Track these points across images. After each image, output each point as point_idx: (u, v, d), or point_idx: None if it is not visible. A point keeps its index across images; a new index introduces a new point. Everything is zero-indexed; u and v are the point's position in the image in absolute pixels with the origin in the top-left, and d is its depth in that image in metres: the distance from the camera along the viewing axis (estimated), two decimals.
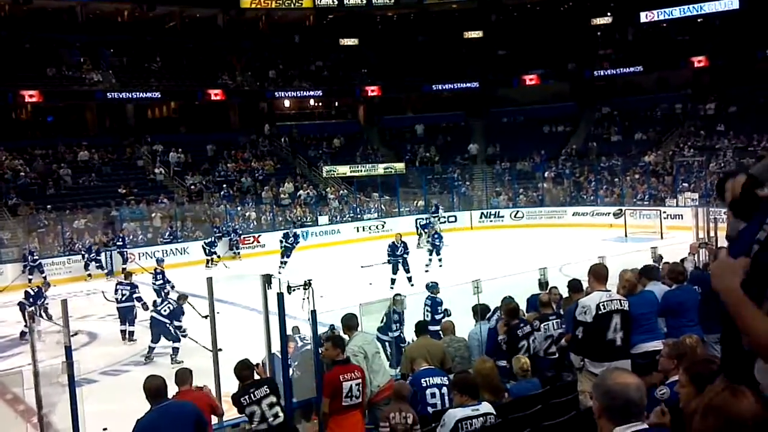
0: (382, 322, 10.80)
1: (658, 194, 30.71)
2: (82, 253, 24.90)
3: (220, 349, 8.17)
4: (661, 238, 23.77)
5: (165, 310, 13.55)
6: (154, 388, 5.53)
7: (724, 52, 36.64)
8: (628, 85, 40.82)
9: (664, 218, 26.44)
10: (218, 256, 26.21)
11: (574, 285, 7.77)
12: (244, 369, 6.72)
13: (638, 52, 39.46)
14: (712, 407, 1.86)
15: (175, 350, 13.41)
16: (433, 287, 11.96)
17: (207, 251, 25.96)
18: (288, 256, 23.30)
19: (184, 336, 13.49)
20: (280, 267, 22.19)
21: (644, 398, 2.59)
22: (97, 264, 24.81)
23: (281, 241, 23.91)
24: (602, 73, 40.31)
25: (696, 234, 16.59)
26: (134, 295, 15.36)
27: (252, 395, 6.47)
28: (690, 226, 24.78)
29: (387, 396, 7.24)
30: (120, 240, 25.64)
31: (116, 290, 15.59)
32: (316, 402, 7.23)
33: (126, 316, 15.21)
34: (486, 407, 5.53)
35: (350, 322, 7.69)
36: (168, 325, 13.37)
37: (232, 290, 16.25)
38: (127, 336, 15.17)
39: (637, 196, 31.23)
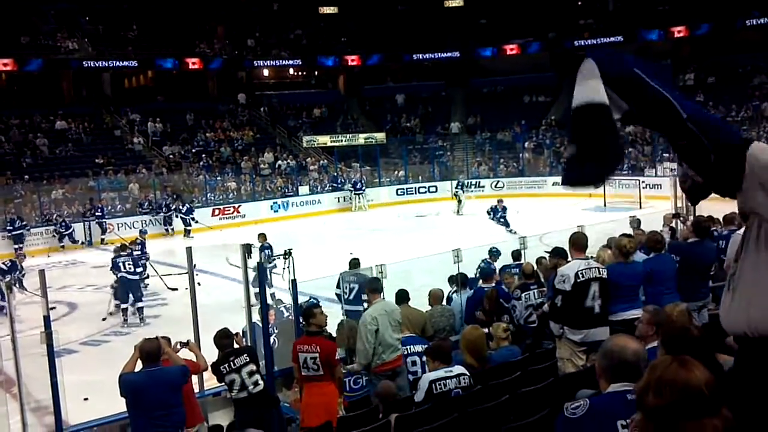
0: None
1: (637, 164, 30.84)
2: (56, 226, 24.65)
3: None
4: (640, 207, 23.93)
5: (129, 267, 14.10)
6: (147, 351, 5.79)
7: (704, 21, 36.65)
8: None
9: (643, 188, 26.60)
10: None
11: (557, 252, 7.80)
12: (223, 338, 6.72)
13: (618, 22, 39.38)
14: (665, 382, 1.83)
15: (140, 309, 14.05)
16: (495, 253, 11.53)
17: (186, 221, 25.90)
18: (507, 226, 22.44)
19: (146, 282, 14.67)
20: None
21: (641, 362, 2.64)
22: (70, 237, 24.51)
23: (489, 214, 23.26)
24: (583, 43, 40.18)
25: (674, 204, 16.70)
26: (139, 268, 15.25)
27: (231, 363, 6.47)
28: (668, 195, 24.96)
29: (386, 370, 7.11)
30: (99, 210, 25.43)
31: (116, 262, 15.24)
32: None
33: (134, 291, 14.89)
34: (459, 368, 5.58)
35: (373, 285, 7.49)
36: (139, 281, 14.13)
37: (213, 260, 16.21)
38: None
39: None
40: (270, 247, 15.07)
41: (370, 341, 6.87)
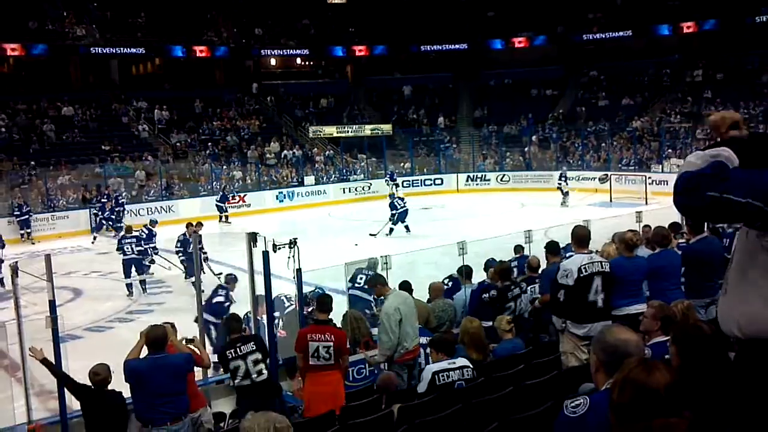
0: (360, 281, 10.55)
1: (644, 160, 30.80)
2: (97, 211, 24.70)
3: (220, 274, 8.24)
4: (646, 203, 23.84)
5: (128, 249, 15.04)
6: (152, 338, 5.83)
7: (713, 17, 36.48)
8: (617, 49, 40.61)
9: (650, 184, 26.53)
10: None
11: (551, 248, 7.82)
12: (233, 321, 6.74)
13: (627, 16, 39.21)
14: (627, 380, 1.98)
15: (142, 282, 15.07)
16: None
17: (222, 208, 26.19)
18: (401, 222, 20.88)
19: (152, 262, 15.76)
20: (387, 233, 20.60)
21: (642, 354, 2.64)
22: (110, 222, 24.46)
23: (391, 211, 21.11)
24: (591, 37, 40.05)
25: None
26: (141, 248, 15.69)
27: (238, 349, 6.47)
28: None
29: (408, 359, 7.13)
30: (104, 197, 25.46)
31: (122, 245, 15.66)
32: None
33: (138, 267, 15.56)
34: (462, 361, 5.59)
35: (380, 280, 7.50)
36: (142, 259, 15.16)
37: (218, 248, 16.26)
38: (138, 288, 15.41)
39: (623, 161, 31.30)
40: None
41: (395, 331, 6.83)
